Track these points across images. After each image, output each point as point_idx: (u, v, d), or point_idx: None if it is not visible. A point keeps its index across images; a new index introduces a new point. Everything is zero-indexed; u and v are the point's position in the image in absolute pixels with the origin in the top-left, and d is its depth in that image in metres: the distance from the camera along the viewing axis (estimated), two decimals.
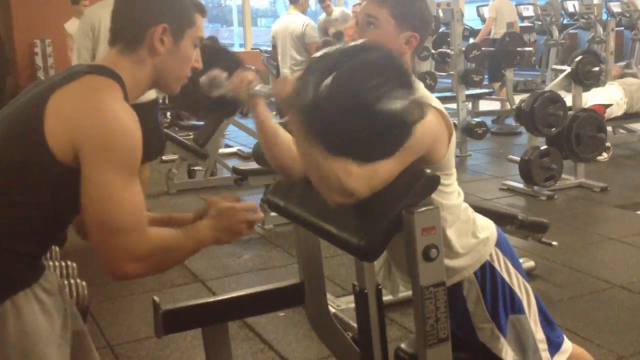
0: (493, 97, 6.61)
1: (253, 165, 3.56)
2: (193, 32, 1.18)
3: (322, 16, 6.43)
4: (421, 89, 1.26)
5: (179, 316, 1.40)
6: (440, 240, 1.22)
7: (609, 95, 4.85)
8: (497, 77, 6.72)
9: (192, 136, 4.93)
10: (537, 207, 3.78)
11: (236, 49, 9.96)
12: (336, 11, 6.48)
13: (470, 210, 1.43)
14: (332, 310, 2.14)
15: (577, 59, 4.25)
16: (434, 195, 1.28)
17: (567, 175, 4.17)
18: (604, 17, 7.96)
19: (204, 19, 1.23)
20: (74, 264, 2.11)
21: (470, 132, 5.08)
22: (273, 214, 2.92)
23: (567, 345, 1.50)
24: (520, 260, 1.57)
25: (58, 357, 1.09)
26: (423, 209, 1.21)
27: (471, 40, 7.20)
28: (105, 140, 1.03)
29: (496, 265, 1.42)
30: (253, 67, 1.47)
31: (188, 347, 2.25)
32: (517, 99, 4.61)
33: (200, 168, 4.58)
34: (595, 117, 4.17)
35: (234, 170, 3.76)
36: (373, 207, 1.24)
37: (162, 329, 1.37)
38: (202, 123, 5.00)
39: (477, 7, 8.55)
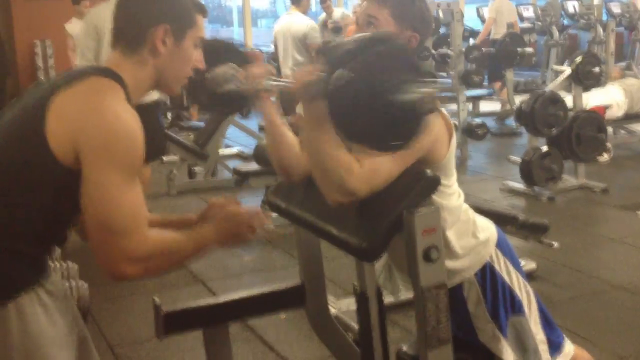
0: (493, 97, 6.62)
1: (254, 166, 3.57)
2: (194, 33, 1.18)
3: (322, 16, 6.43)
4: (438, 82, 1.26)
5: (180, 317, 1.40)
6: (440, 241, 1.22)
7: (609, 96, 4.85)
8: (498, 77, 6.72)
9: (192, 137, 4.93)
10: (538, 208, 3.78)
11: None
12: (336, 12, 6.49)
13: (471, 211, 1.43)
14: (333, 311, 2.14)
15: (578, 59, 4.25)
16: (433, 196, 1.28)
17: (567, 176, 4.17)
18: (604, 17, 7.96)
19: (205, 19, 1.23)
20: (75, 265, 2.11)
21: (470, 132, 5.08)
22: (274, 214, 2.91)
23: (568, 346, 1.49)
24: (522, 262, 1.57)
25: (62, 359, 1.09)
26: (424, 209, 1.21)
27: (471, 41, 7.21)
28: (106, 141, 1.03)
29: (496, 266, 1.41)
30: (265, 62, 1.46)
31: (189, 348, 2.25)
32: (518, 99, 4.62)
33: (200, 169, 4.58)
34: (595, 117, 4.17)
35: (235, 171, 3.76)
36: (373, 208, 1.24)
37: (163, 330, 1.37)
38: (202, 124, 5.01)
39: (477, 8, 8.55)
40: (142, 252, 1.06)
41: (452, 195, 1.37)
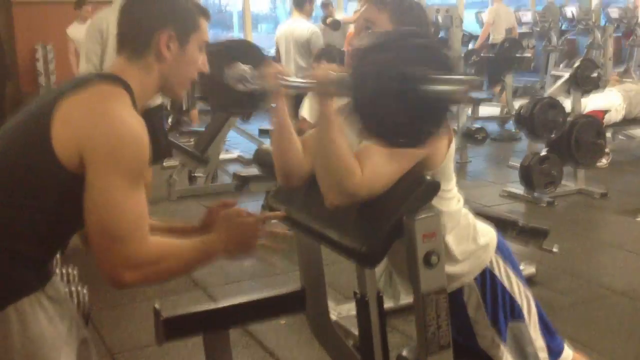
0: (493, 102, 6.63)
1: (254, 171, 3.57)
2: (198, 36, 1.19)
3: (323, 15, 6.44)
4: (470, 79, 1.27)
5: (180, 323, 1.39)
6: (441, 246, 1.22)
7: (608, 101, 4.87)
8: (497, 81, 6.74)
9: (192, 142, 4.93)
10: (538, 213, 3.78)
11: None
12: (337, 17, 6.49)
13: (471, 215, 1.44)
14: (333, 317, 2.14)
15: (576, 64, 4.27)
16: (433, 201, 1.29)
17: (567, 181, 4.18)
18: (603, 22, 7.99)
19: (208, 22, 1.23)
20: (75, 270, 2.11)
21: (470, 137, 5.08)
22: (274, 220, 2.91)
23: (568, 353, 1.49)
24: (521, 267, 1.57)
25: None
26: (424, 214, 1.21)
27: (470, 46, 7.22)
28: (112, 146, 1.04)
29: (496, 272, 1.42)
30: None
31: (189, 354, 2.24)
32: (517, 104, 4.62)
33: (201, 174, 4.58)
34: (594, 122, 4.18)
35: (235, 176, 3.76)
36: (373, 213, 1.25)
37: (163, 336, 1.37)
38: (202, 128, 5.01)
39: (476, 13, 8.58)
40: (142, 259, 1.06)
41: (451, 200, 1.38)
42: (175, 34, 1.15)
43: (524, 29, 8.10)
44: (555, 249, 2.80)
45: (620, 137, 5.56)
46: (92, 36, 3.02)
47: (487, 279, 1.40)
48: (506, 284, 1.42)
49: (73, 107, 1.06)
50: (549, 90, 4.57)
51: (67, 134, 1.04)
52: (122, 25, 1.18)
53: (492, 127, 6.17)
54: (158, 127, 3.07)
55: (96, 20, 3.10)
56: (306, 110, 2.94)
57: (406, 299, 2.10)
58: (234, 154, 5.56)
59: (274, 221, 1.24)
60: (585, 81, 4.21)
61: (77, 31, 5.84)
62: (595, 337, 2.34)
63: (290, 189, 1.43)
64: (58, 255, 2.19)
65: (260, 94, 1.37)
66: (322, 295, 1.56)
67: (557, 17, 8.25)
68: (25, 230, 1.07)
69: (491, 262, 1.42)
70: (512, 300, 1.42)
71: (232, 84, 1.35)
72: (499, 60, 5.76)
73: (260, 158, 3.45)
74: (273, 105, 1.34)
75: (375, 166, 1.22)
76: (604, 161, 4.69)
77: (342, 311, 2.42)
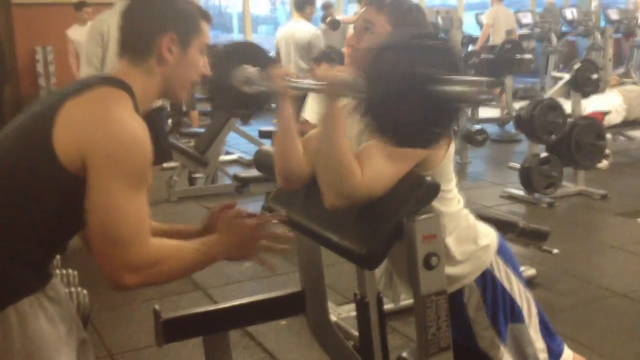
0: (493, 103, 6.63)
1: (254, 172, 3.56)
2: (200, 39, 1.19)
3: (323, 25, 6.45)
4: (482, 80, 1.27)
5: (180, 325, 1.40)
6: (441, 248, 1.22)
7: (608, 103, 4.87)
8: (497, 83, 6.74)
9: (192, 143, 4.93)
10: (538, 215, 3.78)
11: None
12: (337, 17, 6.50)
13: (472, 216, 1.44)
14: (333, 318, 2.14)
15: (576, 66, 4.27)
16: (433, 203, 1.29)
17: (567, 183, 4.18)
18: (602, 24, 8.00)
19: (210, 25, 1.24)
20: (75, 272, 2.11)
21: (470, 139, 5.08)
22: (275, 221, 2.91)
23: (568, 354, 1.49)
24: (522, 268, 1.57)
25: None
26: (424, 216, 1.21)
27: (470, 48, 7.22)
28: (114, 149, 1.04)
29: (496, 273, 1.42)
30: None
31: (189, 356, 2.24)
32: (517, 105, 4.63)
33: (201, 175, 4.58)
34: (594, 124, 4.19)
35: (235, 177, 3.76)
36: (374, 214, 1.25)
37: (163, 338, 1.37)
38: (202, 130, 5.01)
39: (476, 15, 8.59)
40: (143, 262, 1.06)
41: (451, 201, 1.38)
42: (176, 37, 1.15)
43: (524, 31, 8.11)
44: (555, 251, 2.80)
45: (620, 138, 5.56)
46: (93, 39, 3.03)
47: (487, 280, 1.40)
48: (506, 285, 1.42)
49: (75, 109, 1.07)
50: (549, 92, 4.57)
51: (69, 136, 1.05)
52: (123, 29, 1.18)
53: (492, 129, 6.18)
54: (159, 129, 3.07)
55: (97, 23, 3.10)
56: (308, 112, 2.95)
57: (407, 300, 2.10)
58: (234, 155, 5.56)
59: (274, 221, 1.24)
60: (585, 83, 4.21)
61: (77, 33, 5.85)
62: (595, 338, 2.33)
63: (290, 191, 1.43)
64: (58, 257, 2.20)
65: (266, 95, 1.37)
66: (322, 296, 1.56)
67: (557, 18, 8.26)
68: (25, 231, 1.07)
69: (491, 263, 1.41)
70: (513, 301, 1.42)
71: (239, 86, 1.35)
72: (499, 62, 5.76)
73: (260, 160, 3.44)
74: (279, 106, 1.35)
75: (375, 167, 1.22)
76: (604, 163, 4.69)
77: (342, 312, 2.42)
